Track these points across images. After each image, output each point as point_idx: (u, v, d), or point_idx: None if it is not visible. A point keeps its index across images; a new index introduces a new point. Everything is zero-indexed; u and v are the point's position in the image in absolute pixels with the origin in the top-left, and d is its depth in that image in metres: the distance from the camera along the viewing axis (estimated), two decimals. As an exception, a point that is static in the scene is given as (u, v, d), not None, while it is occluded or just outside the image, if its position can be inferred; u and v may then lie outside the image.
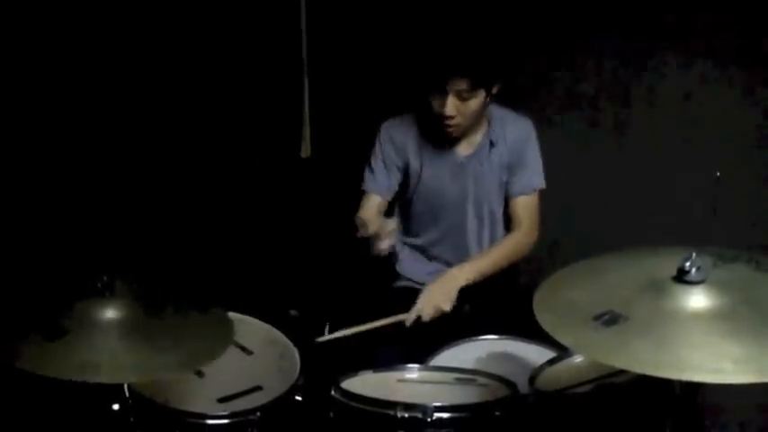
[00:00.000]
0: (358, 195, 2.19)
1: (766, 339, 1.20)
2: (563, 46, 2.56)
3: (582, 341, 1.29)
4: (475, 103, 1.98)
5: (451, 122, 1.99)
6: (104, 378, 1.36)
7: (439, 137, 2.11)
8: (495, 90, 2.02)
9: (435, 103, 1.99)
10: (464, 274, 2.03)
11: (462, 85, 1.93)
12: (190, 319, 1.55)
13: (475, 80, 1.94)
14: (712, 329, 1.23)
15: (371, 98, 2.66)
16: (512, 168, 2.14)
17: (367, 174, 2.19)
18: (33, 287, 1.57)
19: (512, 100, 2.18)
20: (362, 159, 2.20)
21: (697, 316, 1.26)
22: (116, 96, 2.63)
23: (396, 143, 2.13)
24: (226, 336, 1.55)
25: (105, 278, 1.45)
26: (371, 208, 2.15)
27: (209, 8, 2.69)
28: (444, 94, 1.95)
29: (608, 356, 1.24)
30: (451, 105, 1.95)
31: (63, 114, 2.56)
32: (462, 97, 1.95)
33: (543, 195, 2.19)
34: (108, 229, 2.47)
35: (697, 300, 1.28)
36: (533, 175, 2.15)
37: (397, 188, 2.19)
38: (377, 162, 2.17)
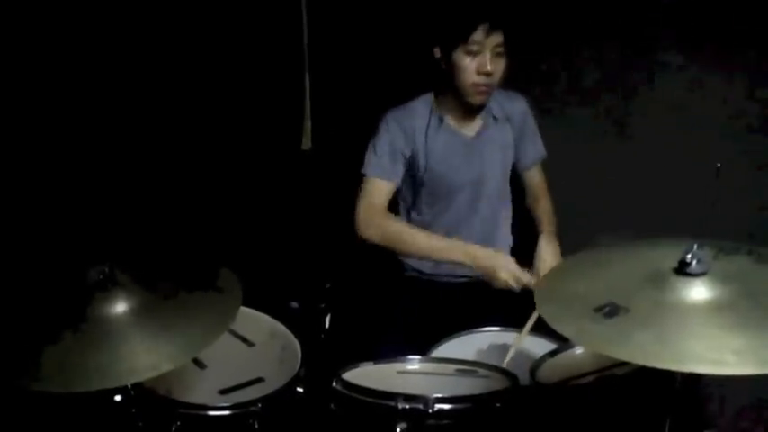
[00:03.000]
0: (359, 187, 2.16)
1: (767, 331, 1.20)
2: (564, 40, 2.55)
3: (583, 333, 1.29)
4: (504, 62, 2.02)
5: (489, 82, 2.01)
6: (146, 375, 1.32)
7: (458, 112, 2.13)
8: None
9: (468, 68, 1.99)
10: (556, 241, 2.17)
11: (498, 38, 1.97)
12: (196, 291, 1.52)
13: (506, 34, 1.98)
14: (713, 321, 1.23)
15: (372, 90, 2.65)
16: (520, 143, 2.25)
17: (372, 158, 2.12)
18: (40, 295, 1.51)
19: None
20: (364, 152, 2.16)
21: (698, 308, 1.26)
22: (116, 92, 2.62)
23: (405, 131, 2.12)
24: (235, 296, 1.53)
25: (105, 269, 1.42)
26: (381, 195, 2.11)
27: (210, 2, 2.68)
28: (481, 53, 1.97)
29: (609, 348, 1.24)
30: (492, 61, 1.98)
31: (64, 103, 2.55)
32: (496, 53, 1.99)
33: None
34: (106, 223, 2.46)
35: (698, 292, 1.28)
36: (539, 144, 2.31)
37: (401, 176, 2.15)
38: (383, 147, 2.11)
